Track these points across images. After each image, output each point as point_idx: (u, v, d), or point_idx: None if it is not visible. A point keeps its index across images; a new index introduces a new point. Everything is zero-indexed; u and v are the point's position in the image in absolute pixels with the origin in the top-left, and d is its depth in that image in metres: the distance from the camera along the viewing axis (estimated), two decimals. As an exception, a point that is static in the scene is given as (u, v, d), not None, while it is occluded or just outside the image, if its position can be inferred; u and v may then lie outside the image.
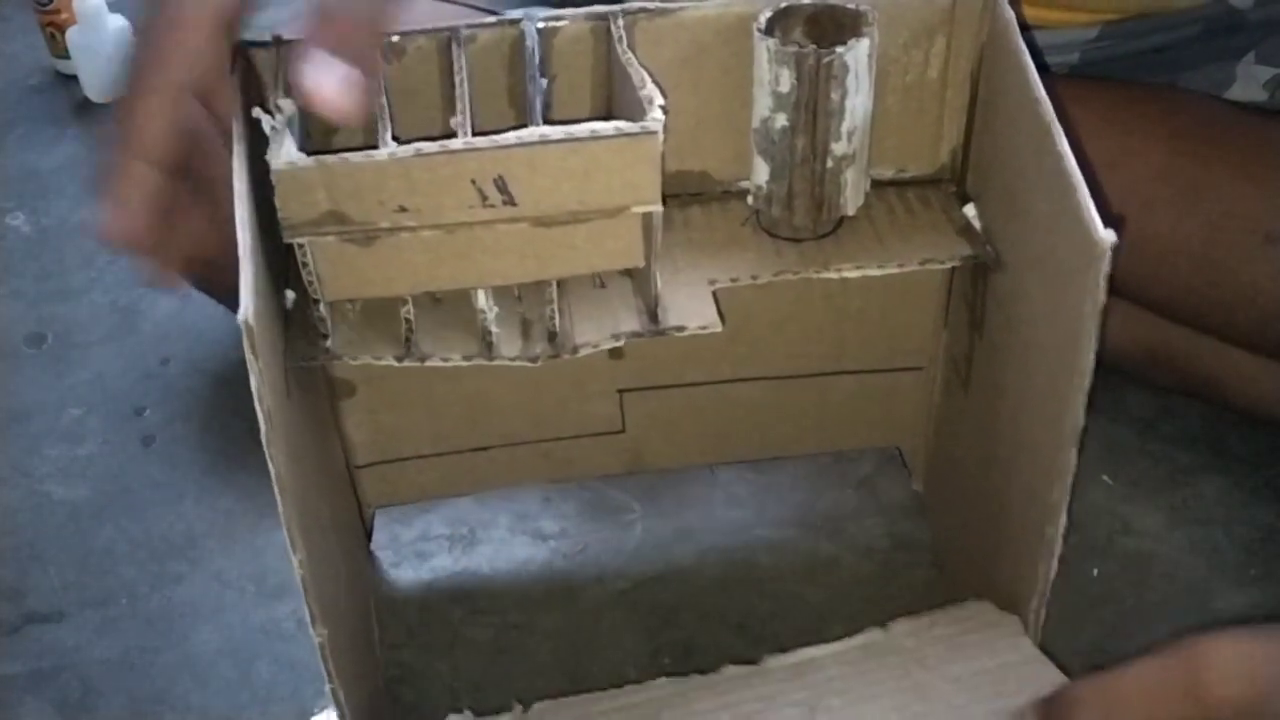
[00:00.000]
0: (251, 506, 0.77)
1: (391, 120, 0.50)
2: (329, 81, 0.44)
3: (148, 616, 0.71)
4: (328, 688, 0.52)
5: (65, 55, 1.17)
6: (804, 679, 0.52)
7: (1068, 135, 0.47)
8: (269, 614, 0.70)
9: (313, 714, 0.66)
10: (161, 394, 0.85)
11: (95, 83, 1.16)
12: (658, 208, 0.49)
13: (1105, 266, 0.44)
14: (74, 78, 1.17)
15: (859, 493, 0.75)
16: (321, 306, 0.51)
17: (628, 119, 0.48)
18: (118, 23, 1.15)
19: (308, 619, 0.50)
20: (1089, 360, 0.46)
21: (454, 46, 0.53)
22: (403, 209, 0.47)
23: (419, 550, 0.74)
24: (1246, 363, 0.72)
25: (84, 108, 1.16)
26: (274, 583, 0.72)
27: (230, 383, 0.86)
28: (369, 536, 0.72)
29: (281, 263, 0.51)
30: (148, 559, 0.74)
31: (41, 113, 1.17)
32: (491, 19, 0.54)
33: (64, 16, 1.16)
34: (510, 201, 0.47)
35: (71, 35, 1.14)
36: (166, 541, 0.75)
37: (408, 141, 0.47)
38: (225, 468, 0.79)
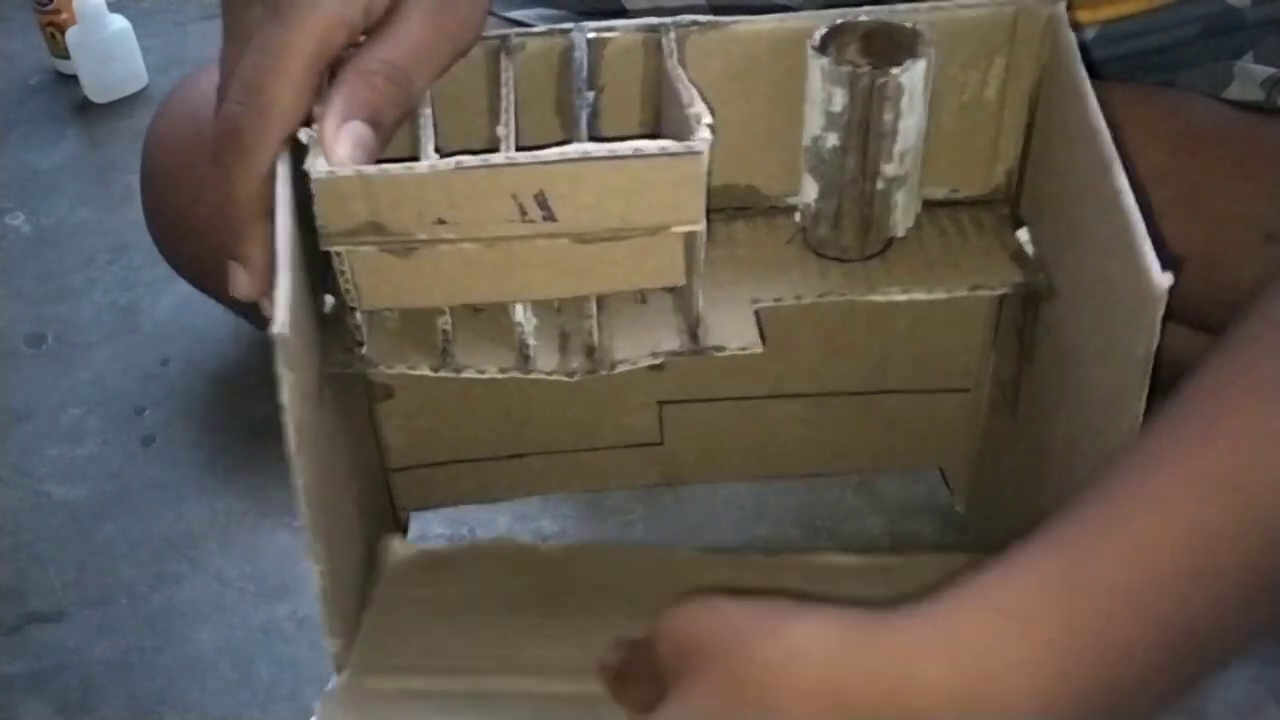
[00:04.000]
0: (251, 506, 0.77)
1: (435, 130, 0.49)
2: (330, 131, 0.45)
3: (148, 616, 0.71)
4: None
5: (65, 55, 1.17)
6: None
7: (1128, 167, 0.46)
8: (269, 614, 0.70)
9: (313, 714, 0.65)
10: (161, 394, 0.85)
11: (95, 83, 1.16)
12: (700, 227, 0.48)
13: (1160, 310, 0.43)
14: (74, 78, 1.17)
15: (859, 493, 0.75)
16: (358, 315, 0.50)
17: (675, 134, 0.47)
18: (118, 23, 1.15)
19: (323, 628, 0.49)
20: (1139, 405, 0.45)
21: (502, 56, 0.52)
22: (441, 221, 0.46)
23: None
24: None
25: (84, 108, 1.16)
26: (274, 583, 0.72)
27: (230, 383, 0.86)
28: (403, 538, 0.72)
29: (320, 265, 0.50)
30: (148, 559, 0.74)
31: (41, 113, 1.17)
32: (541, 28, 0.54)
33: (64, 16, 1.16)
34: (551, 217, 0.47)
35: (71, 35, 1.14)
36: (166, 541, 0.75)
37: (451, 151, 0.46)
38: (225, 468, 0.79)
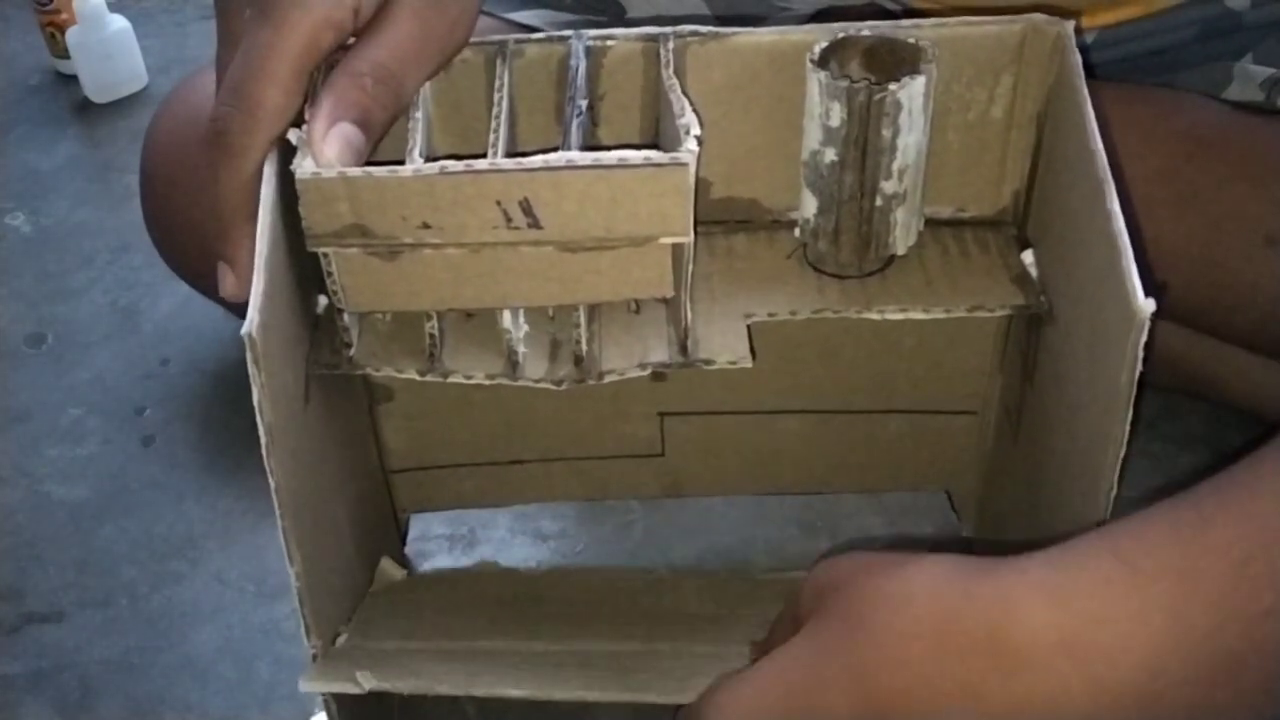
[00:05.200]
0: (251, 506, 0.77)
1: (427, 134, 0.49)
2: (319, 132, 0.46)
3: (148, 616, 0.71)
4: (322, 697, 0.52)
5: (65, 55, 1.17)
6: None
7: (1122, 179, 0.46)
8: (269, 614, 0.70)
9: (313, 714, 0.66)
10: (161, 394, 0.85)
11: (95, 83, 1.16)
12: (687, 239, 0.48)
13: (1143, 336, 0.42)
14: (74, 78, 1.17)
15: (860, 493, 0.75)
16: (345, 316, 0.50)
17: (671, 145, 0.47)
18: (118, 23, 1.15)
19: (302, 629, 0.50)
20: (1123, 431, 0.45)
21: (499, 62, 0.52)
22: (426, 226, 0.46)
23: (419, 550, 0.74)
24: (1247, 363, 0.72)
25: (84, 108, 1.16)
26: (274, 583, 0.72)
27: (230, 383, 0.86)
28: (403, 540, 0.72)
29: (315, 268, 0.51)
30: (148, 559, 0.74)
31: (41, 113, 1.17)
32: (540, 34, 0.53)
33: (64, 16, 1.16)
34: (536, 225, 0.46)
35: (71, 35, 1.14)
36: (166, 541, 0.75)
37: (444, 156, 0.46)
38: (225, 468, 0.79)
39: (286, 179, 0.46)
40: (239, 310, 0.50)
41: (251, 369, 0.43)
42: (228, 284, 0.48)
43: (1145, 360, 0.43)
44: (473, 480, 0.69)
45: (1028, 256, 0.55)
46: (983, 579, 0.39)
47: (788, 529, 0.74)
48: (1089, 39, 0.71)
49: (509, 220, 0.46)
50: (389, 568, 0.61)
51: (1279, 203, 0.65)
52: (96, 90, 1.16)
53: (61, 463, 0.81)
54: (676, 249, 0.49)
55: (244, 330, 0.43)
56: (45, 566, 0.74)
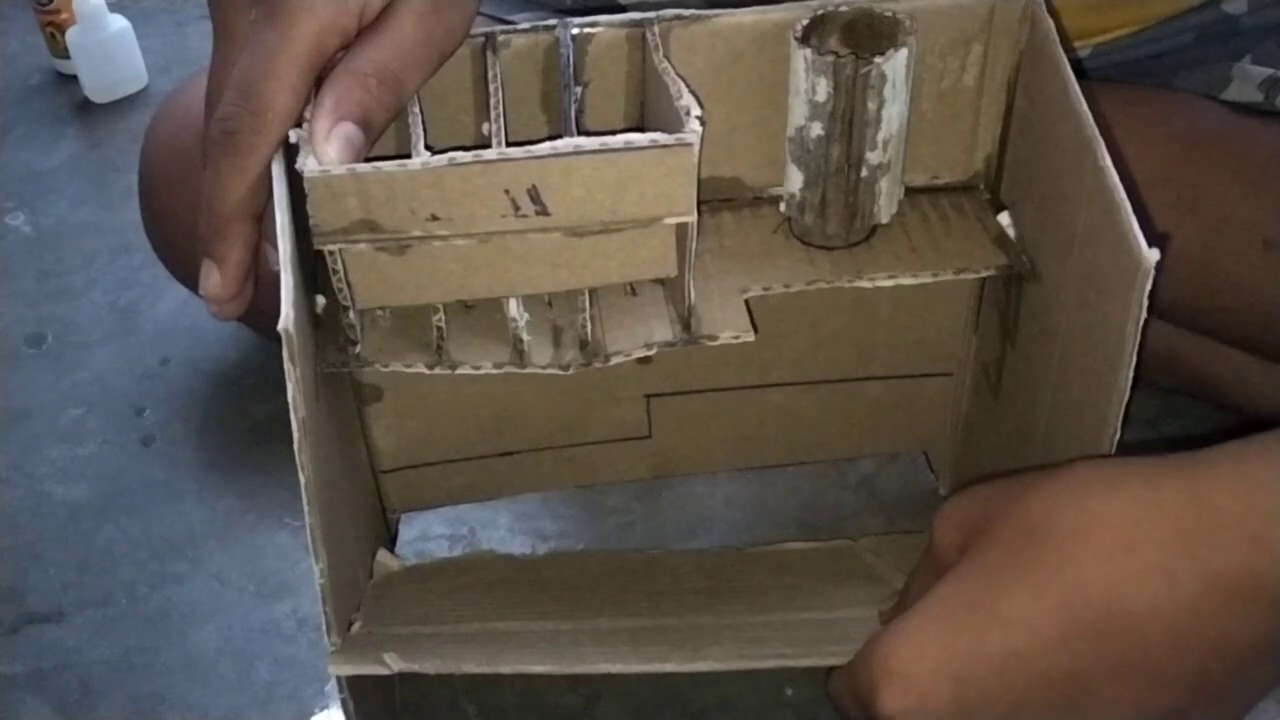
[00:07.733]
0: (251, 506, 0.77)
1: (424, 127, 0.50)
2: (321, 131, 0.46)
3: (148, 616, 0.71)
4: (339, 696, 0.52)
5: (65, 55, 1.17)
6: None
7: (1109, 148, 0.47)
8: (269, 614, 0.71)
9: (313, 714, 0.66)
10: (161, 394, 0.85)
11: (95, 83, 1.16)
12: (692, 218, 0.48)
13: (1148, 285, 0.44)
14: (74, 78, 1.17)
15: (859, 493, 0.75)
16: (351, 313, 0.50)
17: (662, 127, 0.48)
18: (118, 23, 1.15)
19: (323, 626, 0.50)
20: (1127, 378, 0.46)
21: (488, 53, 0.53)
22: (435, 218, 0.47)
23: (419, 550, 0.74)
24: (1246, 364, 0.72)
25: (84, 108, 1.17)
26: (274, 583, 0.72)
27: (230, 383, 0.86)
28: (393, 541, 0.72)
29: (312, 267, 0.50)
30: (148, 559, 0.74)
31: (41, 113, 1.17)
32: (526, 25, 0.54)
33: (64, 16, 1.16)
34: (543, 211, 0.47)
35: (71, 35, 1.14)
36: (166, 541, 0.75)
37: (439, 149, 0.46)
38: (225, 468, 0.79)
39: (292, 179, 0.46)
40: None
41: (287, 365, 0.44)
42: (211, 282, 0.48)
43: (1148, 310, 0.44)
44: (462, 475, 0.69)
45: (1004, 218, 0.57)
46: (1167, 472, 0.41)
47: (787, 529, 0.74)
48: (1083, 53, 0.71)
49: (517, 208, 0.47)
50: (386, 559, 0.62)
51: (1277, 206, 0.65)
52: (96, 90, 1.16)
53: (61, 463, 0.81)
54: (680, 229, 0.49)
55: (280, 326, 0.43)
56: (45, 566, 0.74)
